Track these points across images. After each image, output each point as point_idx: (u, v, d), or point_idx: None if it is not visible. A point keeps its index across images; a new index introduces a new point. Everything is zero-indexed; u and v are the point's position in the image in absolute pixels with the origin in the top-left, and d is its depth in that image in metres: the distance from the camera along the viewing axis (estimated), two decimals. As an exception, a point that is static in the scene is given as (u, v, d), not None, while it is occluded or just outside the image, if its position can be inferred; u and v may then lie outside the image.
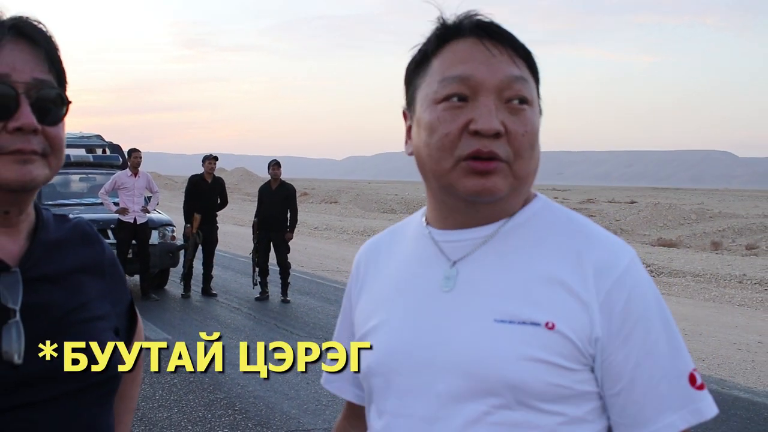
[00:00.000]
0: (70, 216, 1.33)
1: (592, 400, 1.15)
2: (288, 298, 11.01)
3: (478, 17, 1.18)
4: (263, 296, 11.13)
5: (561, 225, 1.20)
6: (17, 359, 1.10)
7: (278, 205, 11.04)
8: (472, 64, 1.14)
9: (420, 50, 1.22)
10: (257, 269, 11.23)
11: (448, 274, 1.20)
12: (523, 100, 1.15)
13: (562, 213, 1.23)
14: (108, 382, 1.24)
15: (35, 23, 1.17)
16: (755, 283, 13.93)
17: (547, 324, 1.11)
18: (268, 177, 11.19)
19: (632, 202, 51.20)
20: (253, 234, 11.31)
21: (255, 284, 11.29)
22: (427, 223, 1.27)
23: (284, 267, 11.04)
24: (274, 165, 11.20)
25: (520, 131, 1.14)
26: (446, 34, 1.18)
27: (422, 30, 1.21)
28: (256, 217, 11.38)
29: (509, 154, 1.13)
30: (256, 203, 11.62)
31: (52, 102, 1.16)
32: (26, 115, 1.12)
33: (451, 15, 1.19)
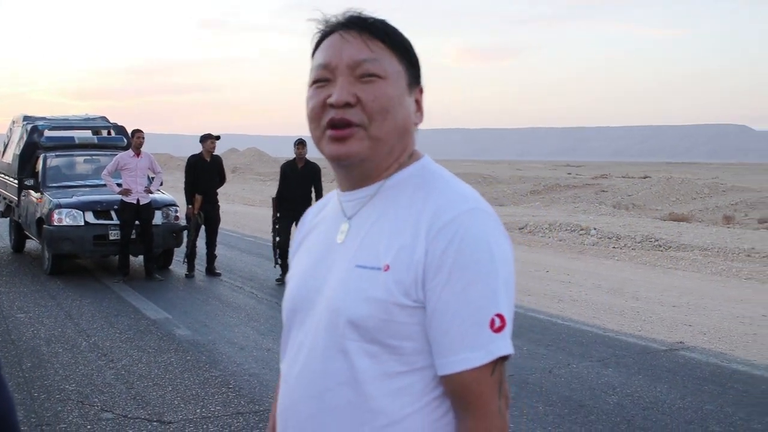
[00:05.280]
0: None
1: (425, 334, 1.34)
2: (292, 277, 10.90)
3: (348, 14, 1.44)
4: (283, 279, 10.84)
5: (427, 183, 1.41)
6: None
7: (304, 185, 10.78)
8: (330, 52, 1.42)
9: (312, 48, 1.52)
10: (278, 250, 10.81)
11: (343, 228, 1.45)
12: (372, 75, 1.39)
13: (435, 173, 1.43)
14: None
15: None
16: (764, 257, 13.74)
17: (385, 267, 1.33)
18: (280, 157, 10.92)
19: (645, 177, 50.82)
20: (273, 212, 11.01)
21: (276, 263, 11.00)
22: (338, 187, 1.54)
23: (300, 246, 10.81)
24: (300, 144, 10.89)
25: (370, 98, 1.38)
26: (323, 34, 1.46)
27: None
28: (277, 195, 11.05)
29: (363, 119, 1.38)
30: (267, 183, 11.53)
31: None
32: None
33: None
